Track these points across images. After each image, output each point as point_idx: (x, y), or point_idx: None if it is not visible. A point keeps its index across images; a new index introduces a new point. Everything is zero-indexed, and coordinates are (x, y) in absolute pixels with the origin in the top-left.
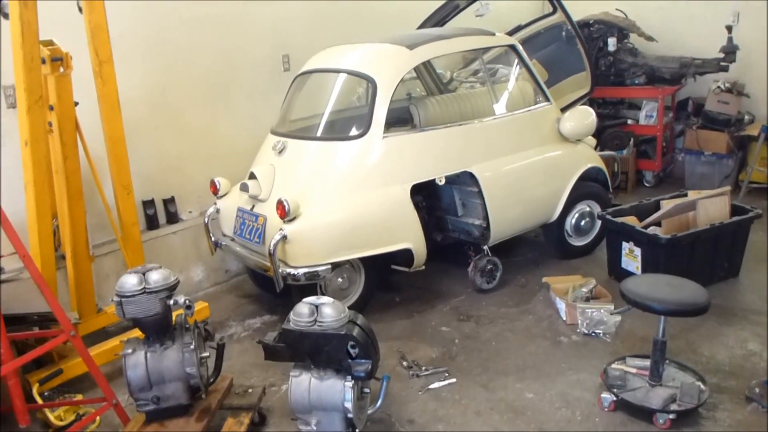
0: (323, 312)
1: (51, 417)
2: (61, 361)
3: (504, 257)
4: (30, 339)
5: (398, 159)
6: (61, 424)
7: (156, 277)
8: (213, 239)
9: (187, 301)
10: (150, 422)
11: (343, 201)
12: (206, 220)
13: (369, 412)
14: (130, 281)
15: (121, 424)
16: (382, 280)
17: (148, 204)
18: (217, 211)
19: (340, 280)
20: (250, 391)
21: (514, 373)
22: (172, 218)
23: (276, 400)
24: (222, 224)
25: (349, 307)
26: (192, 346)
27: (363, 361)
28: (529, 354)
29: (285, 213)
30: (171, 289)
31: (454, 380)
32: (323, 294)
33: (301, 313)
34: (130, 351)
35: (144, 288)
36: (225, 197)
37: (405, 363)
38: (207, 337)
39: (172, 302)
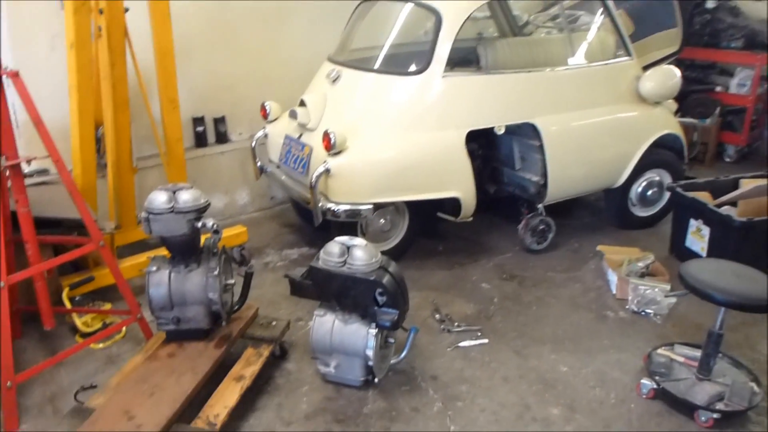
0: (354, 254)
1: (78, 322)
2: (95, 269)
3: (559, 218)
4: (70, 244)
5: (457, 101)
6: (88, 330)
7: (186, 197)
8: (259, 164)
9: (215, 226)
10: (169, 341)
11: (393, 139)
12: (253, 143)
13: (392, 362)
14: (159, 198)
15: (144, 339)
16: (427, 226)
17: (198, 121)
18: (265, 135)
19: (382, 221)
20: (274, 323)
21: (551, 342)
22: (222, 138)
23: (301, 335)
24: (269, 150)
25: (389, 251)
26: (216, 272)
27: (390, 310)
28: (570, 325)
29: (330, 145)
30: (200, 211)
31: (486, 341)
32: (363, 234)
33: (331, 252)
34: (154, 269)
35: (173, 207)
36: (274, 122)
37: (438, 316)
38: (242, 261)
39: (200, 224)
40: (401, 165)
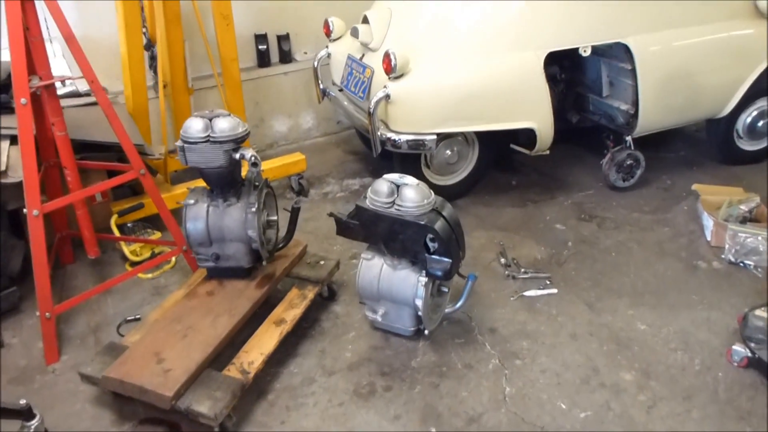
0: (404, 194)
1: (126, 250)
2: (144, 195)
3: (650, 151)
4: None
5: (536, 17)
6: (136, 258)
7: (222, 126)
8: (321, 87)
9: (253, 158)
10: (210, 278)
11: (462, 62)
12: (315, 63)
13: (447, 310)
14: (195, 126)
15: (191, 271)
16: (499, 158)
17: (261, 39)
18: (328, 55)
19: (448, 152)
20: (322, 262)
21: (629, 295)
22: (285, 57)
23: (353, 275)
24: (332, 71)
25: (456, 185)
26: (255, 208)
27: (442, 258)
28: (653, 275)
29: (391, 68)
30: (238, 141)
31: (555, 291)
32: (428, 166)
33: (379, 192)
34: (192, 201)
35: (209, 136)
36: (338, 41)
37: (503, 260)
38: (300, 191)
39: (238, 156)
40: (470, 91)
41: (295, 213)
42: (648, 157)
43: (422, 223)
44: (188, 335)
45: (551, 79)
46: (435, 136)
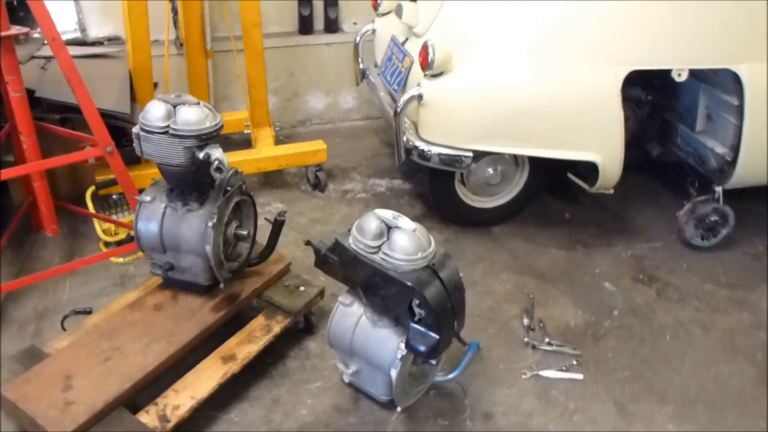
0: (394, 241)
1: (98, 228)
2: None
3: (744, 201)
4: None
5: (620, 24)
6: (109, 239)
7: (186, 117)
8: (361, 67)
9: (217, 162)
10: (165, 287)
11: (516, 67)
12: (357, 39)
13: (438, 378)
14: (154, 112)
15: None
16: (552, 183)
17: (304, 2)
18: (373, 32)
19: (490, 171)
20: (302, 289)
21: (675, 402)
22: (331, 26)
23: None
24: (376, 51)
25: (496, 210)
26: (214, 219)
27: (428, 333)
28: (714, 379)
29: (427, 62)
30: (203, 138)
31: (580, 377)
32: (464, 183)
33: (364, 230)
34: (148, 199)
35: (169, 126)
36: (386, 17)
37: (527, 320)
38: (316, 185)
39: (202, 155)
40: (522, 105)
41: (277, 226)
42: (739, 209)
43: (408, 283)
44: (112, 359)
45: (632, 100)
46: (472, 154)
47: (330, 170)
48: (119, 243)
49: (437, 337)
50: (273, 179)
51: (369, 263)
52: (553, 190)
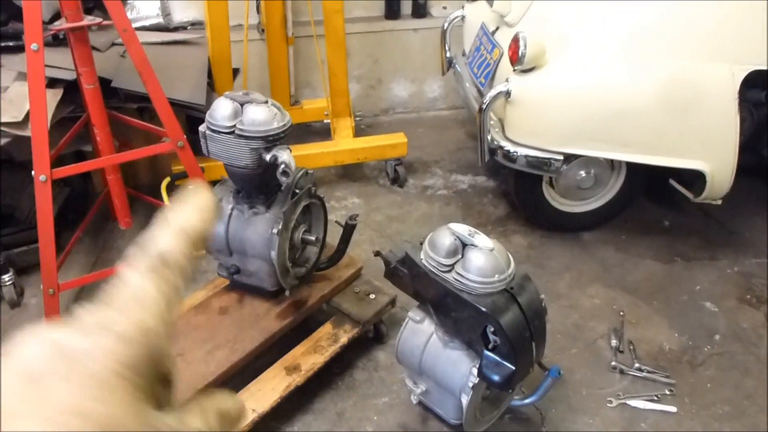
0: (469, 260)
1: None
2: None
3: None
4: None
5: (738, 21)
6: None
7: (253, 117)
8: (448, 55)
9: (284, 165)
10: (232, 289)
11: (617, 65)
12: (446, 25)
13: (515, 402)
14: (222, 110)
15: None
16: (651, 187)
17: None
18: (462, 18)
19: (582, 174)
20: (372, 296)
21: None
22: (419, 11)
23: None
24: (465, 38)
25: (587, 215)
26: (280, 225)
27: (503, 362)
28: None
29: (517, 56)
30: (270, 139)
31: (673, 409)
32: (552, 185)
33: (437, 246)
34: (217, 199)
35: (235, 126)
36: (477, 2)
37: (615, 341)
38: (395, 179)
39: (269, 157)
40: (621, 106)
41: (348, 230)
42: None
43: (483, 309)
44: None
45: (750, 102)
46: (563, 157)
47: (410, 164)
48: None
49: (513, 368)
50: (351, 172)
51: (441, 283)
52: (650, 193)
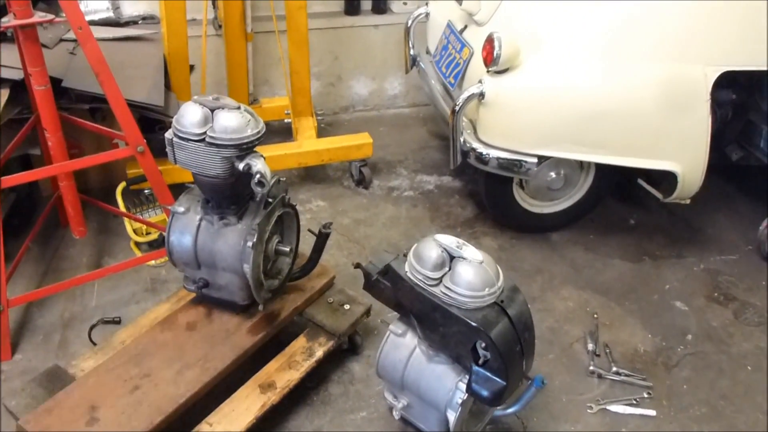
0: (458, 274)
1: (128, 227)
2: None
3: None
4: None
5: (710, 21)
6: (141, 239)
7: (225, 123)
8: (412, 53)
9: (259, 175)
10: (199, 302)
11: (592, 66)
12: (409, 23)
13: (496, 412)
14: (190, 117)
15: None
16: (617, 188)
17: None
18: (427, 15)
19: (552, 175)
20: (347, 307)
21: None
22: (379, 7)
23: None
24: (428, 36)
25: (556, 216)
26: (254, 237)
27: (494, 378)
28: None
29: (492, 57)
30: (243, 147)
31: (652, 413)
32: (522, 186)
33: (423, 259)
34: (181, 210)
35: (205, 133)
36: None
37: (591, 345)
38: (360, 181)
39: (242, 166)
40: (597, 108)
41: (322, 239)
42: None
43: (473, 324)
44: (141, 388)
45: (715, 101)
46: (536, 159)
47: (374, 164)
48: (150, 243)
49: (504, 383)
50: (314, 173)
51: (428, 297)
52: (616, 192)
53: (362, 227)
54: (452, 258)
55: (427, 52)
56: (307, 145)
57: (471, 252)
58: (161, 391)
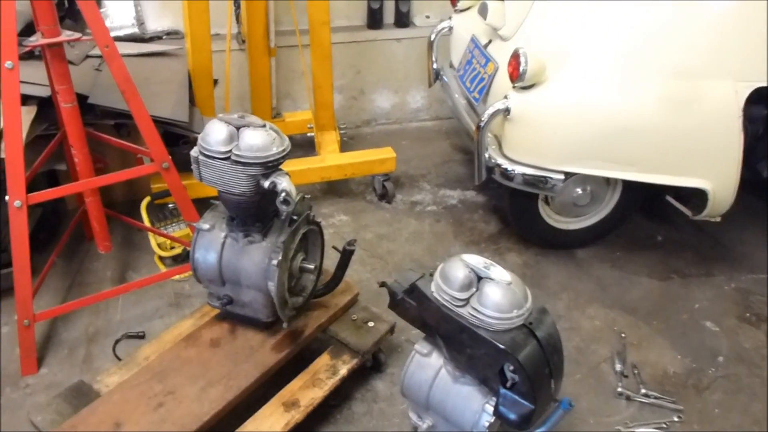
0: (485, 295)
1: (152, 242)
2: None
3: None
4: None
5: (742, 36)
6: (165, 254)
7: (251, 142)
8: (435, 67)
9: (284, 194)
10: (223, 319)
11: (620, 82)
12: (433, 37)
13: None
14: (215, 135)
15: None
16: (645, 205)
17: None
18: (450, 29)
19: (578, 191)
20: (370, 324)
21: None
22: (402, 20)
23: (408, 344)
24: (452, 50)
25: (581, 232)
26: (280, 255)
27: (521, 401)
28: None
29: (518, 73)
30: (269, 165)
31: None
32: (548, 202)
33: (450, 280)
34: (206, 227)
35: (231, 152)
36: (465, 13)
37: (619, 366)
38: (383, 195)
39: (267, 184)
40: (624, 124)
41: (346, 256)
42: None
43: (501, 346)
44: (164, 405)
45: (749, 119)
46: (563, 176)
47: (397, 178)
48: (174, 258)
49: (532, 406)
50: (337, 187)
51: (455, 318)
52: (642, 207)
53: (385, 242)
54: (480, 278)
55: (451, 66)
56: (330, 159)
57: (499, 272)
58: (185, 408)
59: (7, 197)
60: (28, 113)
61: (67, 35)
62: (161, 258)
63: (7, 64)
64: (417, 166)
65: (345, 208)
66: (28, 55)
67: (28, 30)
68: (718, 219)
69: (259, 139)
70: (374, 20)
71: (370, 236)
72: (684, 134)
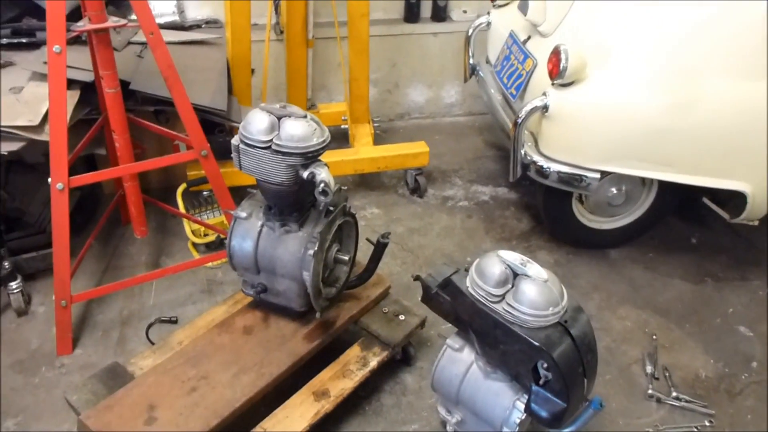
0: (521, 291)
1: (187, 229)
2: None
3: None
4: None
5: None
6: (199, 240)
7: (292, 132)
8: (471, 62)
9: (323, 184)
10: (256, 307)
11: (661, 81)
12: (470, 31)
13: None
14: (257, 124)
15: None
16: (680, 207)
17: None
18: (488, 24)
19: (613, 191)
20: (401, 317)
21: None
22: (439, 14)
23: (438, 339)
24: (489, 45)
25: (615, 232)
26: (315, 246)
27: (554, 399)
28: None
29: (558, 70)
30: (309, 156)
31: None
32: (581, 202)
33: (486, 275)
34: (243, 215)
35: (272, 141)
36: (504, 8)
37: (650, 367)
38: (415, 189)
39: (306, 174)
40: (664, 124)
41: (379, 249)
42: None
43: (536, 343)
44: (198, 390)
45: None
46: (599, 174)
47: (429, 172)
48: (208, 245)
49: (564, 405)
50: (369, 180)
51: (489, 313)
52: (676, 209)
53: (416, 236)
54: (516, 275)
55: (487, 61)
56: (364, 152)
57: (535, 270)
58: (218, 393)
59: (50, 179)
60: (71, 97)
61: (113, 21)
62: (195, 245)
63: (55, 48)
64: (449, 161)
65: (377, 201)
66: (73, 41)
67: (74, 15)
68: (756, 223)
69: (299, 130)
70: (411, 14)
71: (402, 230)
72: (724, 136)
